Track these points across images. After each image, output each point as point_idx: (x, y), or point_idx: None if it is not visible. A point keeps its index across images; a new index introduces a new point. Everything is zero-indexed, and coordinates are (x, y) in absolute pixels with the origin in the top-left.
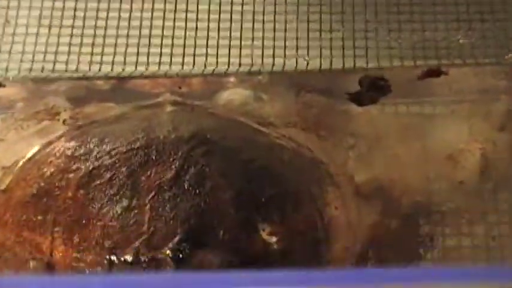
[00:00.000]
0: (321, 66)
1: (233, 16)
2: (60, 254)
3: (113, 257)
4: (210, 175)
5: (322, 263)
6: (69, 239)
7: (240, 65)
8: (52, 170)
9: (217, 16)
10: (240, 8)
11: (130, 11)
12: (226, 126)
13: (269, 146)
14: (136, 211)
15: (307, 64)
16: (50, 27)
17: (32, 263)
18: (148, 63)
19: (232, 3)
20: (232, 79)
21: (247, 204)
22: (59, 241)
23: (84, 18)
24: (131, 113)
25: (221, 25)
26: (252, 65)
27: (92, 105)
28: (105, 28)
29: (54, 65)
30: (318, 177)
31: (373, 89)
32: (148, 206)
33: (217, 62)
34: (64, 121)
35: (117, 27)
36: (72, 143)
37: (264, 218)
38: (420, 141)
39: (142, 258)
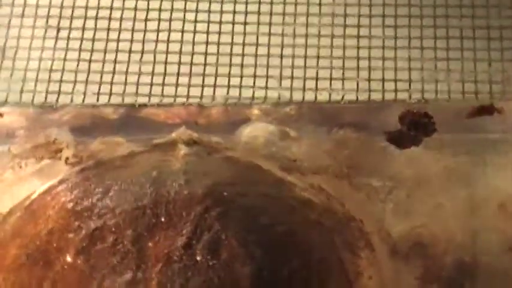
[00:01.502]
0: (357, 99)
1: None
2: None
3: None
4: (226, 243)
5: None
6: None
7: (265, 98)
8: (50, 226)
9: (241, 40)
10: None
11: (145, 32)
12: (246, 177)
13: (295, 203)
14: (141, 286)
15: (342, 97)
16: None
17: None
18: (163, 94)
19: (258, 23)
20: (256, 111)
21: (267, 279)
22: None
23: (93, 40)
24: (140, 155)
25: (246, 51)
26: (279, 97)
27: (98, 140)
28: (116, 52)
29: (58, 96)
30: (349, 239)
31: (415, 127)
32: (155, 281)
33: (240, 94)
34: (66, 160)
35: (129, 51)
36: (74, 193)
37: None
38: (467, 189)
39: None
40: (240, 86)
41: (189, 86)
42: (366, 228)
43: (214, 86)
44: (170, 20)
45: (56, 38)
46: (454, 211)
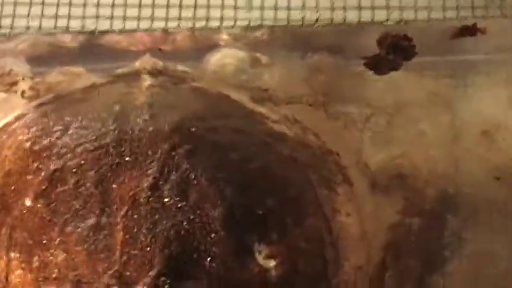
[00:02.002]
0: (332, 21)
1: None
2: (18, 280)
3: None
4: (195, 183)
5: None
6: (27, 261)
7: (235, 20)
8: (7, 168)
9: None
10: None
11: None
12: (215, 110)
13: (267, 137)
14: (106, 232)
15: (317, 19)
16: None
17: None
18: (125, 18)
19: None
20: (225, 36)
21: (240, 220)
22: (15, 263)
23: None
24: (102, 87)
25: None
26: (249, 20)
27: (56, 70)
28: None
29: (13, 20)
30: (325, 174)
31: (395, 51)
32: (120, 225)
33: (208, 15)
34: (23, 93)
35: None
36: (32, 132)
37: (261, 238)
38: (450, 114)
39: None
40: (208, 6)
41: (153, 6)
42: (343, 162)
43: (180, 6)
44: None
45: None
46: (436, 139)
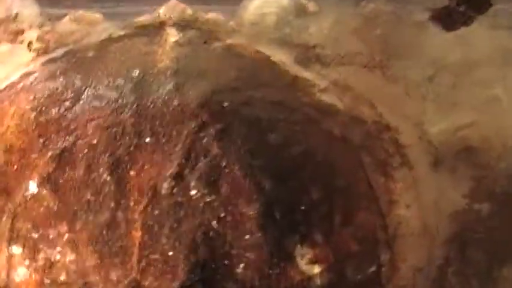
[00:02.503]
0: None
1: None
2: (20, 279)
3: None
4: (226, 172)
5: None
6: (31, 258)
7: None
8: (10, 142)
9: None
10: None
11: None
12: (252, 78)
13: (313, 112)
14: (121, 231)
15: None
16: None
17: None
18: None
19: None
20: None
21: (280, 219)
22: (18, 259)
23: None
24: (119, 43)
25: None
26: None
27: (69, 16)
28: None
29: None
30: (381, 156)
31: (467, 2)
32: (139, 223)
33: None
34: (29, 45)
35: None
36: (39, 98)
37: (304, 239)
38: None
39: None
40: None
41: None
42: (403, 139)
43: None
44: None
45: None
46: (511, 105)
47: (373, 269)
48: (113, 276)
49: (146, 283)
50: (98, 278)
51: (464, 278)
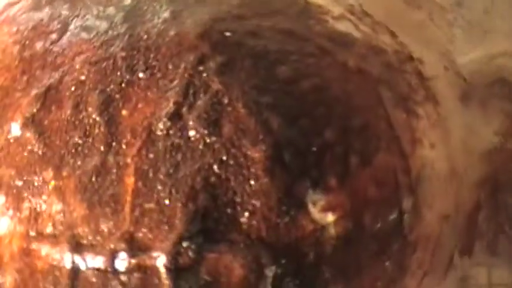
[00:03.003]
0: None
1: None
2: (4, 232)
3: (77, 258)
4: (230, 111)
5: (403, 249)
6: (15, 208)
7: None
8: None
9: None
10: None
11: None
12: (257, 3)
13: (327, 42)
14: (113, 177)
15: None
16: None
17: None
18: None
19: None
20: None
21: (289, 162)
22: (1, 208)
23: None
24: None
25: None
26: None
27: None
28: None
29: None
30: (403, 90)
31: None
32: (131, 168)
33: None
34: None
35: None
36: (22, 30)
37: (316, 184)
38: None
39: (121, 266)
40: None
41: None
42: (427, 71)
43: None
44: None
45: None
46: None
47: (394, 216)
48: (104, 227)
49: (140, 235)
50: (87, 230)
51: (497, 223)
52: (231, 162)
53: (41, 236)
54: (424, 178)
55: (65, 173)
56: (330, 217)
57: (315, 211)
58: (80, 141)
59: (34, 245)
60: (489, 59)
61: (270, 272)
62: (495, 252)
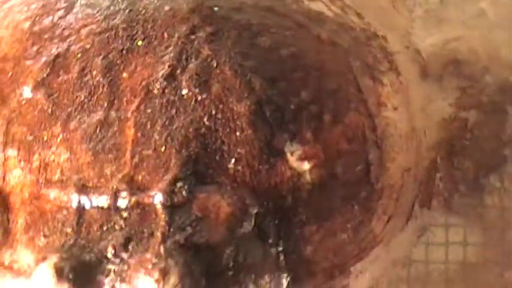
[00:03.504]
0: None
1: None
2: (15, 181)
3: (83, 199)
4: (217, 73)
5: (370, 196)
6: (26, 160)
7: None
8: (4, 52)
9: None
10: None
11: None
12: None
13: (303, 18)
14: (115, 128)
15: None
16: None
17: None
18: None
19: None
20: None
21: (270, 116)
22: (13, 161)
23: None
24: None
25: None
26: None
27: None
28: None
29: None
30: (369, 61)
31: None
32: (131, 121)
33: None
34: None
35: None
36: (32, 9)
37: (293, 136)
38: None
39: (123, 204)
40: None
41: None
42: (390, 47)
43: None
44: None
45: None
46: (498, 19)
47: (362, 167)
48: (107, 171)
49: (139, 177)
50: (91, 173)
51: (452, 184)
52: (219, 115)
53: (49, 182)
54: (388, 135)
55: (71, 127)
56: (306, 165)
57: (292, 160)
58: (86, 100)
59: (43, 191)
60: (444, 43)
61: (253, 210)
62: (451, 209)
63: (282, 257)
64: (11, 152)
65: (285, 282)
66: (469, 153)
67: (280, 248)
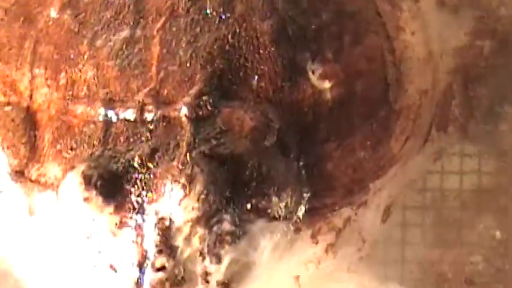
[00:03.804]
0: None
1: None
2: (42, 99)
3: (110, 112)
4: None
5: (389, 115)
6: (53, 78)
7: None
8: None
9: None
10: None
11: None
12: None
13: None
14: (140, 46)
15: None
16: None
17: (7, 109)
18: None
19: None
20: None
21: (292, 35)
22: (40, 80)
23: None
24: None
25: None
26: None
27: None
28: None
29: None
30: None
31: None
32: (157, 39)
33: None
34: None
35: None
36: None
37: (315, 56)
38: None
39: (149, 117)
40: None
41: None
42: None
43: None
44: None
45: None
46: None
47: (381, 86)
48: (133, 86)
49: (165, 92)
50: (118, 88)
51: (468, 110)
52: (243, 34)
53: (76, 98)
54: (406, 58)
55: (98, 45)
56: (327, 84)
57: (314, 78)
58: (112, 19)
59: (70, 106)
60: None
61: (275, 125)
62: (467, 136)
63: (303, 172)
64: (38, 71)
65: (305, 195)
66: (484, 81)
67: (302, 163)
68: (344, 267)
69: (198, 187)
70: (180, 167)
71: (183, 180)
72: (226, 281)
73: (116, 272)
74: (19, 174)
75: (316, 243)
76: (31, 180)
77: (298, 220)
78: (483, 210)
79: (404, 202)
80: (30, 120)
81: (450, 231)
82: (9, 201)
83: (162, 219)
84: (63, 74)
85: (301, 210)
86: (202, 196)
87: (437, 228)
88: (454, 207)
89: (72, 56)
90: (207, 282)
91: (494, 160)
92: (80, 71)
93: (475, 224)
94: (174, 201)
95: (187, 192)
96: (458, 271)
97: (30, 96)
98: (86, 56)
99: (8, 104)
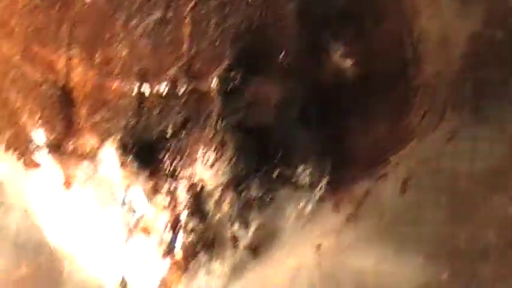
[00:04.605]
0: None
1: None
2: (78, 78)
3: (143, 87)
4: None
5: (408, 92)
6: (89, 58)
7: None
8: None
9: None
10: None
11: None
12: None
13: None
14: (172, 26)
15: None
16: None
17: (44, 87)
18: None
19: None
20: None
21: (316, 16)
22: (76, 60)
23: None
24: None
25: None
26: None
27: None
28: None
29: None
30: None
31: None
32: (188, 19)
33: None
34: None
35: None
36: None
37: (337, 36)
38: None
39: (181, 90)
40: None
41: None
42: None
43: None
44: None
45: None
46: None
47: (399, 66)
48: (166, 61)
49: (196, 67)
50: (151, 64)
51: (480, 94)
52: (269, 14)
53: (111, 74)
54: (423, 40)
55: (132, 25)
56: (348, 62)
57: (336, 57)
58: (144, 2)
59: (106, 82)
60: None
61: (299, 99)
62: (479, 118)
63: (326, 143)
64: (75, 52)
65: (328, 166)
66: (495, 68)
67: (325, 135)
68: (363, 238)
69: (229, 152)
70: (212, 134)
71: (214, 145)
72: (253, 246)
73: (148, 235)
74: (56, 148)
75: (338, 213)
76: (67, 154)
77: (321, 190)
78: (496, 188)
79: (419, 181)
80: (66, 97)
81: (464, 208)
82: (47, 174)
83: (194, 184)
84: (98, 53)
85: (324, 181)
86: (233, 160)
87: (452, 206)
88: (467, 186)
89: (107, 37)
90: (236, 247)
91: (506, 143)
92: (115, 50)
93: (487, 201)
94: (206, 165)
95: (219, 156)
96: (472, 245)
97: (67, 76)
98: (120, 36)
99: (45, 82)
